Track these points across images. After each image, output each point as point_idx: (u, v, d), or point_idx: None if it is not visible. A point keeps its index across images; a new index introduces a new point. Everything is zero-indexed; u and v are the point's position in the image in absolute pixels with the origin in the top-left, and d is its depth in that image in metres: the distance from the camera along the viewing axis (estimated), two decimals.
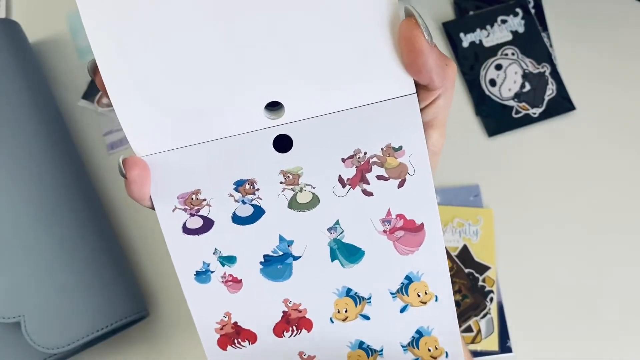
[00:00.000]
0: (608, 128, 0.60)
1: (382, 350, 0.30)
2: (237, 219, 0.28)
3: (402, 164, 0.27)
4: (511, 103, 0.60)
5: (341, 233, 0.28)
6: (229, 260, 0.29)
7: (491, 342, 0.53)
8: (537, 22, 0.63)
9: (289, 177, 0.27)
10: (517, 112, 0.60)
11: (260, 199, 0.28)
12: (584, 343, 0.54)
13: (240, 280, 0.29)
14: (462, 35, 0.62)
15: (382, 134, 0.27)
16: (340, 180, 0.28)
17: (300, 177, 0.27)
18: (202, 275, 0.29)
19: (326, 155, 0.27)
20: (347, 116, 0.27)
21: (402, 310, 0.30)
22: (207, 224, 0.28)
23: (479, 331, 0.53)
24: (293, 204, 0.28)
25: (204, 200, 0.28)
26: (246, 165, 0.27)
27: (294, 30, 0.25)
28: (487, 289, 0.54)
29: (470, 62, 0.62)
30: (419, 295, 0.30)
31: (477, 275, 0.54)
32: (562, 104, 0.60)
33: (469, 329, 0.53)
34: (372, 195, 0.28)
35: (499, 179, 0.58)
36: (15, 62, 0.55)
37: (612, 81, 0.61)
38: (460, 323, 0.53)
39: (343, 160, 0.27)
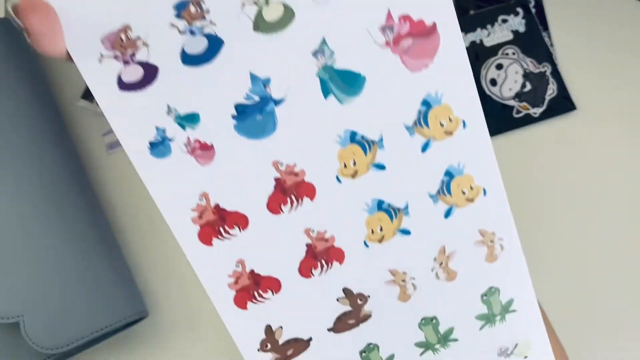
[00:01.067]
0: (609, 128, 0.60)
1: (407, 207, 0.25)
2: (188, 59, 0.20)
3: None
4: (512, 103, 0.60)
5: (331, 56, 0.21)
6: (189, 119, 0.21)
7: None
8: (537, 21, 0.63)
9: None
10: (518, 111, 0.60)
11: (214, 24, 0.20)
12: (583, 343, 0.53)
13: (211, 145, 0.22)
14: (462, 34, 0.62)
15: None
16: None
17: None
18: (159, 146, 0.21)
19: None
20: None
21: (425, 148, 0.24)
22: (150, 72, 0.20)
23: None
24: (260, 24, 0.20)
25: (138, 39, 0.20)
26: None
27: None
28: None
29: (471, 62, 0.61)
30: (442, 125, 0.24)
31: None
32: (563, 104, 0.60)
33: None
34: None
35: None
36: (14, 62, 0.55)
37: (613, 81, 0.61)
38: None
39: None
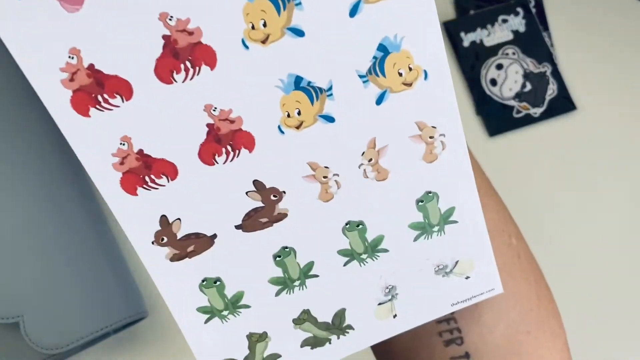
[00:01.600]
0: (609, 128, 0.60)
1: (330, 86, 0.21)
2: None
3: None
4: (512, 103, 0.60)
5: None
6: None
7: None
8: (538, 21, 0.63)
9: None
10: (518, 112, 0.60)
11: None
12: (584, 343, 0.53)
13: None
14: (462, 34, 0.62)
15: None
16: None
17: None
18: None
19: None
20: None
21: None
22: None
23: None
24: None
25: None
26: None
27: None
28: None
29: (471, 62, 0.61)
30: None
31: None
32: (563, 104, 0.60)
33: None
34: None
35: (499, 179, 0.58)
36: (14, 62, 0.55)
37: (613, 81, 0.61)
38: None
39: None
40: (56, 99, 0.19)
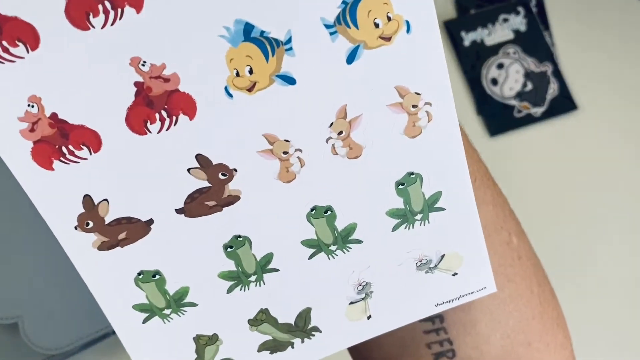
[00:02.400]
0: (610, 127, 0.60)
1: (289, 37, 0.17)
2: None
3: None
4: (513, 102, 0.60)
5: None
6: None
7: None
8: (539, 21, 0.62)
9: None
10: (519, 111, 0.60)
11: None
12: (584, 343, 0.53)
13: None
14: (463, 33, 0.62)
15: None
16: None
17: None
18: None
19: None
20: None
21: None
22: None
23: None
24: None
25: None
26: None
27: None
28: None
29: (472, 61, 0.61)
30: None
31: None
32: (564, 103, 0.60)
33: None
34: None
35: (500, 178, 0.58)
36: None
37: (614, 80, 0.61)
38: None
39: None
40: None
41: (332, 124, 0.18)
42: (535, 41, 0.62)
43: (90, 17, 0.15)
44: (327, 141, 0.18)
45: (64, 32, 0.15)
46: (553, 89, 0.60)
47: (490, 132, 0.59)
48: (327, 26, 0.17)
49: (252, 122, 0.18)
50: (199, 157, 0.18)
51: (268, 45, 0.16)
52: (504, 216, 0.28)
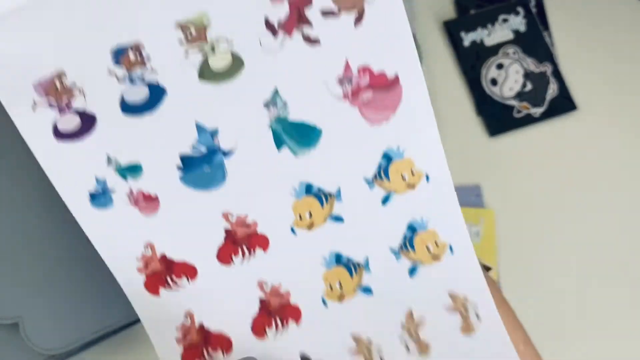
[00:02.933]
0: (610, 128, 0.60)
1: (367, 261, 0.22)
2: (128, 108, 0.19)
3: None
4: (512, 103, 0.60)
5: (284, 107, 0.20)
6: (131, 170, 0.20)
7: None
8: (538, 21, 0.62)
9: (190, 32, 0.18)
10: (519, 111, 0.60)
11: (155, 72, 0.18)
12: (584, 343, 0.53)
13: (155, 197, 0.21)
14: (463, 34, 0.62)
15: None
16: (269, 26, 0.19)
17: (207, 28, 0.18)
18: (99, 198, 0.21)
19: None
20: None
21: (385, 200, 0.22)
22: (87, 122, 0.19)
23: None
24: (205, 73, 0.19)
25: (74, 86, 0.18)
26: (124, 22, 0.18)
27: None
28: None
29: (472, 61, 0.61)
30: (403, 178, 0.22)
31: None
32: (563, 104, 0.60)
33: None
34: (319, 42, 0.19)
35: (500, 179, 0.58)
36: None
37: (614, 80, 0.61)
38: None
39: None
40: (132, 282, 0.22)
41: (402, 324, 0.22)
42: (534, 41, 0.62)
43: None
44: (400, 339, 0.23)
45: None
46: (552, 89, 0.60)
47: (490, 132, 0.59)
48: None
49: (344, 327, 0.22)
50: (303, 356, 0.23)
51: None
52: (513, 327, 0.31)
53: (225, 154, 0.20)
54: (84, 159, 0.20)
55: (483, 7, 0.63)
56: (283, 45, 0.19)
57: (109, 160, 0.20)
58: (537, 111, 0.60)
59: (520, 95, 0.60)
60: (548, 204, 0.57)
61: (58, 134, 0.20)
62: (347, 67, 0.20)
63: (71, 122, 0.19)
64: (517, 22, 0.62)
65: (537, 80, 0.61)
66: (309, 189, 0.21)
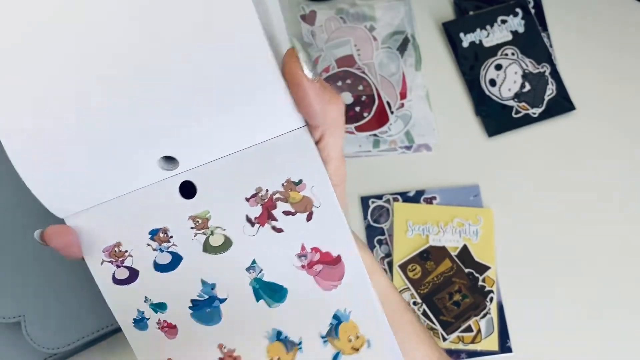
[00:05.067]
0: (608, 128, 0.60)
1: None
2: (158, 267, 0.29)
3: (306, 197, 0.28)
4: (511, 103, 0.60)
5: (260, 272, 0.28)
6: (160, 307, 0.29)
7: (491, 342, 0.53)
8: (537, 22, 0.63)
9: (198, 221, 0.28)
10: (517, 112, 0.60)
11: (176, 245, 0.29)
12: (584, 343, 0.54)
13: (175, 325, 0.29)
14: (462, 35, 0.62)
15: (280, 169, 0.27)
16: (248, 219, 0.28)
17: (209, 220, 0.28)
18: (140, 322, 0.30)
19: (230, 197, 0.28)
20: (244, 156, 0.27)
21: (334, 358, 0.29)
22: (133, 274, 0.29)
23: (478, 331, 0.53)
24: (208, 248, 0.28)
25: (126, 251, 0.29)
26: (157, 215, 0.28)
27: (179, 80, 0.25)
28: (487, 289, 0.54)
29: (470, 62, 0.62)
30: (350, 340, 0.28)
31: (477, 275, 0.54)
32: (562, 104, 0.60)
33: (469, 329, 0.53)
34: (283, 231, 0.28)
35: (499, 179, 0.58)
36: None
37: (612, 81, 0.61)
38: (460, 323, 0.53)
39: (247, 199, 0.28)
40: None
41: None
42: (533, 42, 0.62)
43: None
44: None
45: None
46: (551, 90, 0.61)
47: (489, 132, 0.59)
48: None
49: None
50: None
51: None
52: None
53: (220, 300, 0.29)
54: (131, 297, 0.29)
55: (482, 9, 0.64)
56: (258, 232, 0.28)
57: (145, 299, 0.29)
58: (535, 111, 0.60)
59: (518, 96, 0.60)
60: (546, 203, 0.57)
61: (115, 280, 0.29)
62: (303, 247, 0.28)
63: (123, 274, 0.29)
64: (516, 23, 0.63)
65: (535, 81, 0.61)
66: (279, 335, 0.29)
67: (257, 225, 0.28)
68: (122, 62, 0.24)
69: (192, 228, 0.28)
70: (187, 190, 0.28)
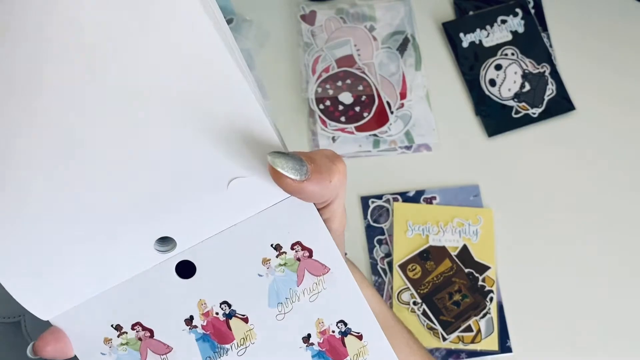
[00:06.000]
0: (608, 128, 0.60)
1: None
2: None
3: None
4: (511, 103, 0.60)
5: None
6: None
7: (491, 341, 0.53)
8: (537, 22, 0.63)
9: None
10: (517, 112, 0.60)
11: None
12: (584, 343, 0.54)
13: None
14: (462, 35, 0.62)
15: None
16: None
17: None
18: None
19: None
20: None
21: None
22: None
23: (478, 331, 0.53)
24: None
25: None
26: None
27: (167, 158, 0.23)
28: (487, 288, 0.54)
29: (470, 62, 0.62)
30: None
31: (477, 275, 0.54)
32: (561, 104, 0.60)
33: (468, 329, 0.53)
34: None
35: (498, 179, 0.58)
36: None
37: (611, 81, 0.61)
38: (460, 323, 0.53)
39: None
40: None
41: None
42: (533, 42, 0.62)
43: None
44: None
45: None
46: (551, 90, 0.61)
47: (489, 132, 0.59)
48: None
49: None
50: None
51: None
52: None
53: None
54: None
55: (482, 9, 0.64)
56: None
57: None
58: (535, 111, 0.60)
59: (518, 96, 0.61)
60: (546, 203, 0.57)
61: None
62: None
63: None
64: (516, 23, 0.63)
65: (535, 81, 0.61)
66: None
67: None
68: (108, 150, 0.23)
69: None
70: (187, 270, 0.26)
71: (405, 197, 0.57)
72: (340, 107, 0.59)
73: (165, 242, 0.26)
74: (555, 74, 0.61)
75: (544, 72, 0.61)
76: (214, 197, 0.24)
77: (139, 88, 0.22)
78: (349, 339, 0.27)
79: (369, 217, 0.57)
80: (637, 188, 0.58)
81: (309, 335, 0.27)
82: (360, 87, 0.60)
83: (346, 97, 0.60)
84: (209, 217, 0.25)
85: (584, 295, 0.55)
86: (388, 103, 0.59)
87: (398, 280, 0.54)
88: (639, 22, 0.63)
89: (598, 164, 0.59)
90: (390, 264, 0.55)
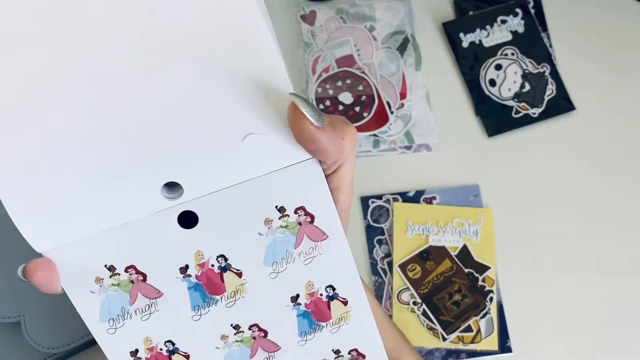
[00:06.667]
0: (608, 128, 0.60)
1: None
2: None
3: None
4: (511, 103, 0.60)
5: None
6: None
7: (491, 341, 0.53)
8: (537, 22, 0.63)
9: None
10: (517, 112, 0.60)
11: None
12: (584, 343, 0.54)
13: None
14: (462, 35, 0.62)
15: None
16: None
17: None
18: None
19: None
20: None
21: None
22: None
23: (478, 331, 0.53)
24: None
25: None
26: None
27: (185, 106, 0.23)
28: (487, 288, 0.54)
29: (470, 62, 0.62)
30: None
31: (477, 275, 0.54)
32: (561, 104, 0.60)
33: (468, 329, 0.53)
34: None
35: (498, 178, 0.58)
36: None
37: (611, 81, 0.61)
38: (460, 323, 0.53)
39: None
40: None
41: None
42: (533, 42, 0.62)
43: None
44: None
45: None
46: (551, 90, 0.61)
47: (489, 132, 0.59)
48: None
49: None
50: None
51: None
52: (400, 347, 0.41)
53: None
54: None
55: (482, 9, 0.64)
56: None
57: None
58: (535, 111, 0.60)
59: (518, 96, 0.61)
60: (546, 203, 0.57)
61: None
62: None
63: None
64: (516, 23, 0.63)
65: (535, 81, 0.61)
66: None
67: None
68: (123, 81, 0.23)
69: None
70: (189, 221, 0.26)
71: (405, 197, 0.57)
72: (340, 107, 0.59)
73: (173, 189, 0.25)
74: (555, 74, 0.61)
75: (544, 72, 0.61)
76: (228, 151, 0.24)
77: (165, 33, 0.22)
78: (334, 303, 0.28)
79: (368, 217, 0.57)
80: (637, 188, 0.58)
81: (297, 296, 0.27)
82: (360, 87, 0.60)
83: (346, 97, 0.60)
84: (220, 171, 0.25)
85: (584, 295, 0.55)
86: (388, 103, 0.59)
87: (398, 280, 0.54)
88: (639, 22, 0.63)
89: (598, 163, 0.59)
90: (390, 264, 0.55)
